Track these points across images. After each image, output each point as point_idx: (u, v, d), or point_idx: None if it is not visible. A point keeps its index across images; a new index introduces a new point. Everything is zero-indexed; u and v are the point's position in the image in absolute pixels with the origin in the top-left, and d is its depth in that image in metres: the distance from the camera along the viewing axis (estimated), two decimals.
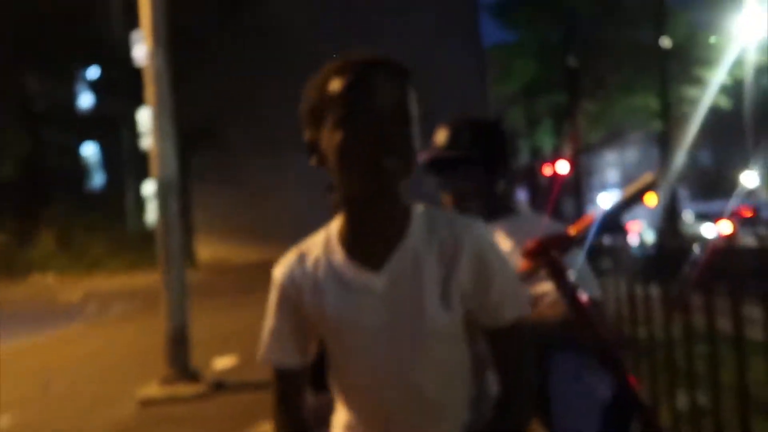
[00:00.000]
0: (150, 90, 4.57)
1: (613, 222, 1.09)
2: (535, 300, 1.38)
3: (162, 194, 4.58)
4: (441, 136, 1.53)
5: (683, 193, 21.36)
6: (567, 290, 1.12)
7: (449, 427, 0.93)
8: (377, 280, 0.90)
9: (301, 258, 0.97)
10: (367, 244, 0.91)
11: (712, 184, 28.34)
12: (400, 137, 0.87)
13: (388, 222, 0.91)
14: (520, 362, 0.92)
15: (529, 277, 1.23)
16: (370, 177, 0.86)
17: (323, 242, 0.97)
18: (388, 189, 0.88)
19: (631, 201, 1.10)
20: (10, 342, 7.02)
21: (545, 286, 1.35)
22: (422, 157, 1.50)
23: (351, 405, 0.99)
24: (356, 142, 0.85)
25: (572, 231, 1.14)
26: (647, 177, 1.10)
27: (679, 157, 13.54)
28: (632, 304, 2.62)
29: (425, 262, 0.89)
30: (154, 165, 4.62)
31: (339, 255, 0.93)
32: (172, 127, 4.66)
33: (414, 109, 0.90)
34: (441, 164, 1.52)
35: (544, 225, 1.34)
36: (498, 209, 1.53)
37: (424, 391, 0.91)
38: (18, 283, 17.13)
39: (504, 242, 1.43)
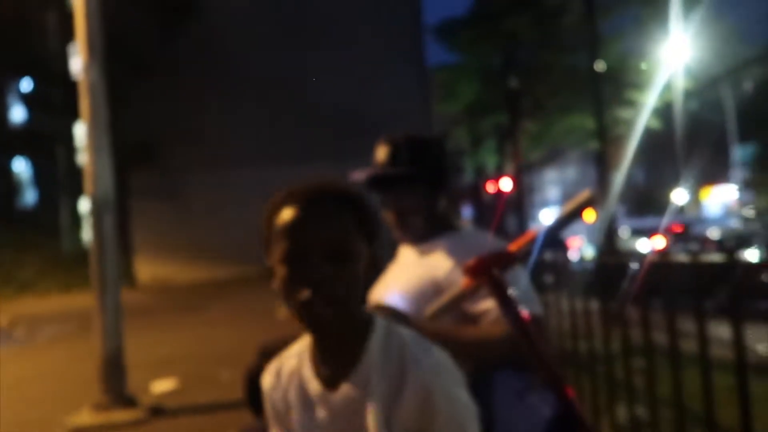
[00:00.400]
0: (84, 103, 4.39)
1: (554, 238, 1.10)
2: (477, 317, 1.38)
3: (96, 212, 4.39)
4: (381, 153, 1.52)
5: (619, 210, 22.24)
6: (508, 308, 1.11)
7: None
8: (332, 399, 0.94)
9: (279, 371, 1.03)
10: (328, 362, 0.95)
11: (645, 201, 29.66)
12: (336, 279, 0.88)
13: (344, 344, 0.93)
14: None
15: (470, 295, 1.23)
16: (306, 317, 0.89)
17: (299, 353, 1.01)
18: (324, 329, 0.90)
19: (570, 217, 1.11)
20: None
21: (487, 304, 1.35)
22: (362, 174, 1.48)
23: None
24: (293, 283, 0.88)
25: (513, 248, 1.14)
26: (585, 194, 1.11)
27: (615, 176, 14.12)
28: (573, 319, 2.68)
29: (376, 387, 0.91)
30: (88, 181, 4.43)
31: (307, 370, 0.98)
32: (107, 142, 4.49)
33: (359, 243, 0.91)
34: (382, 182, 1.50)
35: (486, 242, 1.34)
36: (440, 227, 1.52)
37: None
38: None
39: (445, 260, 1.42)
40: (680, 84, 17.26)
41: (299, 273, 0.87)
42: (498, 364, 1.13)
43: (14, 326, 10.77)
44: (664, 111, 17.91)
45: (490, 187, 16.47)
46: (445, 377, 0.91)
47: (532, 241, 1.12)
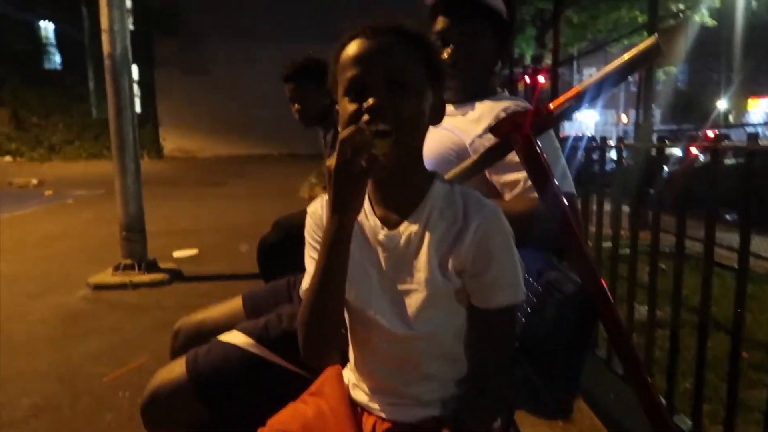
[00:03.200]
0: None
1: (604, 90, 0.94)
2: (501, 189, 1.26)
3: (113, 71, 4.24)
4: None
5: (656, 114, 21.32)
6: (539, 175, 0.98)
7: (430, 387, 0.95)
8: (387, 235, 0.94)
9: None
10: (387, 202, 0.95)
11: (684, 107, 28.37)
12: (395, 107, 0.87)
13: (406, 186, 0.94)
14: (501, 344, 0.94)
15: (496, 159, 1.09)
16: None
17: None
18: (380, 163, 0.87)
19: (630, 67, 0.94)
20: None
21: (514, 175, 1.22)
22: None
23: (352, 344, 1.03)
24: (353, 112, 0.88)
25: (553, 105, 0.98)
26: (649, 40, 0.93)
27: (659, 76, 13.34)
28: (599, 220, 2.54)
29: (434, 230, 0.92)
30: (105, 39, 4.24)
31: (364, 209, 0.96)
32: None
33: (422, 80, 0.90)
34: (454, 5, 1.33)
35: (526, 107, 1.19)
36: (482, 89, 1.36)
37: (408, 343, 0.93)
38: None
39: (475, 125, 1.28)
40: None
41: (360, 101, 0.87)
42: (516, 242, 1.02)
43: (42, 187, 11.05)
44: (720, 8, 16.55)
45: (526, 79, 15.75)
46: (504, 225, 0.92)
47: (577, 97, 0.96)
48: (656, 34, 0.92)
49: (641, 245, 2.21)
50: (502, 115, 1.18)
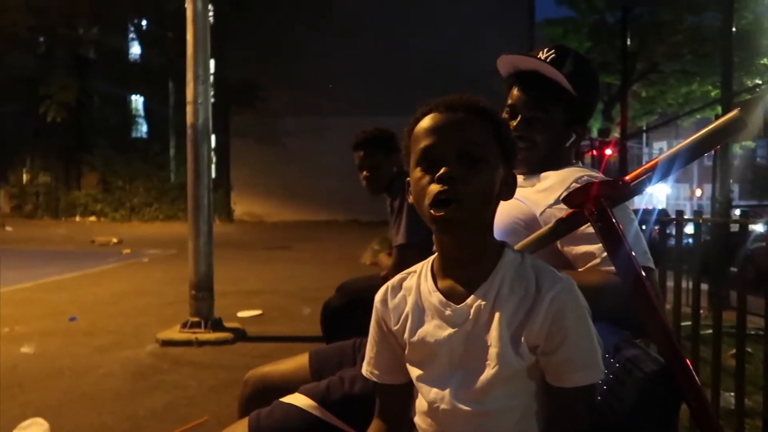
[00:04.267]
0: (189, 33, 4.47)
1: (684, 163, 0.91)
2: (574, 261, 1.22)
3: (194, 141, 4.52)
4: (542, 53, 1.37)
5: (734, 188, 20.45)
6: (616, 246, 0.95)
7: None
8: (456, 314, 0.93)
9: (397, 285, 1.03)
10: (453, 277, 0.95)
11: (764, 181, 27.11)
12: (467, 179, 0.88)
13: (473, 259, 0.93)
14: (576, 425, 0.91)
15: (568, 230, 1.07)
16: (435, 215, 0.89)
17: (419, 271, 1.01)
18: (451, 227, 0.89)
19: (709, 142, 0.91)
20: (43, 278, 7.21)
21: (587, 247, 1.19)
22: (517, 59, 1.34)
23: (417, 422, 1.01)
24: (425, 182, 0.90)
25: (630, 177, 0.97)
26: (732, 114, 0.90)
27: (735, 150, 12.88)
28: (678, 297, 2.41)
29: (505, 304, 0.90)
30: (189, 111, 4.55)
31: (428, 285, 0.97)
32: (208, 72, 4.58)
33: (493, 154, 0.92)
34: (531, 79, 1.35)
35: (599, 176, 1.17)
36: (554, 162, 1.36)
37: (475, 421, 0.91)
38: (60, 224, 17.71)
39: (546, 196, 1.27)
40: None
41: (432, 172, 0.89)
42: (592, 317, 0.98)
43: (121, 246, 11.66)
44: None
45: (595, 152, 15.60)
46: (579, 299, 0.89)
47: (654, 169, 0.94)
48: (739, 107, 0.88)
49: (723, 326, 2.08)
50: (575, 185, 1.16)
